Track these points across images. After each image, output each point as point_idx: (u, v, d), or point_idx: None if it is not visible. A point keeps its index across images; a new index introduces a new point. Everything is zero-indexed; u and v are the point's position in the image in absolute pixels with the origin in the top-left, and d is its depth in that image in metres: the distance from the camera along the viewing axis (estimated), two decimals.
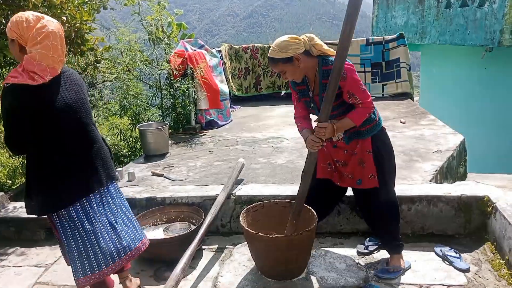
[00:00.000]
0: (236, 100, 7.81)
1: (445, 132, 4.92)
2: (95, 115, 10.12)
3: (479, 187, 3.23)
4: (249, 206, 2.90)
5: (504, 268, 2.68)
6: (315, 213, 2.71)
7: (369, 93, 2.53)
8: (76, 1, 4.07)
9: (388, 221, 2.75)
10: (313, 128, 2.61)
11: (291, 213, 2.74)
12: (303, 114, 2.83)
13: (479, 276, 2.68)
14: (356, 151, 2.69)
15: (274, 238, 2.51)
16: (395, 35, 7.43)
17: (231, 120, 6.39)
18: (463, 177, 4.46)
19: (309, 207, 2.78)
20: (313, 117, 2.82)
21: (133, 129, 5.63)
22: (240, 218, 2.74)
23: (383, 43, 7.35)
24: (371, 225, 2.93)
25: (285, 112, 6.88)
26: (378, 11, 11.60)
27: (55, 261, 3.21)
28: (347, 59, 2.49)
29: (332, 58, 2.50)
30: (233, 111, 6.90)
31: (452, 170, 4.12)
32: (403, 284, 2.65)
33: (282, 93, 8.13)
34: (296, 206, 2.71)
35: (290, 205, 2.88)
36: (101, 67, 5.84)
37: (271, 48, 2.53)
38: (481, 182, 3.38)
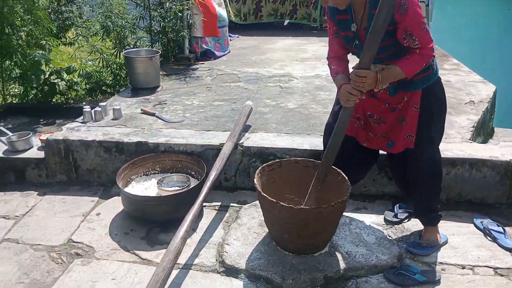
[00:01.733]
0: (233, 28, 6.98)
1: (474, 80, 4.38)
2: (74, 35, 9.13)
3: None
4: (265, 164, 2.38)
5: None
6: (347, 178, 2.22)
7: (431, 36, 1.93)
8: None
9: (429, 189, 2.30)
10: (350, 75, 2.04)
11: (315, 178, 2.24)
12: (339, 53, 2.23)
13: None
14: (401, 105, 2.15)
15: (300, 209, 2.03)
16: None
17: (229, 51, 5.68)
18: (491, 133, 4.01)
19: (339, 170, 2.28)
20: (354, 59, 2.24)
21: (117, 54, 4.89)
22: (255, 180, 2.23)
23: None
24: (404, 189, 2.48)
25: (290, 45, 6.17)
26: None
27: (27, 212, 2.71)
28: None
29: None
30: (230, 40, 6.15)
31: (484, 125, 3.65)
32: (442, 264, 2.26)
33: (285, 23, 7.34)
34: (322, 169, 2.21)
35: (313, 164, 2.38)
36: None
37: None
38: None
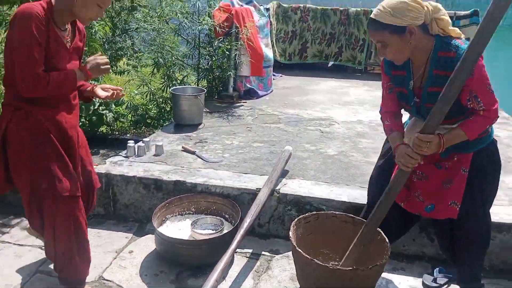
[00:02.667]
0: (277, 67, 7.06)
1: None
2: (125, 64, 9.58)
3: None
4: (301, 216, 2.33)
5: None
6: (387, 240, 2.13)
7: (495, 97, 1.86)
8: None
9: (473, 254, 2.16)
10: (408, 136, 1.98)
11: (357, 238, 2.14)
12: (393, 109, 2.17)
13: None
14: (448, 165, 2.05)
15: (335, 270, 1.95)
16: (468, 12, 6.48)
17: (272, 91, 5.74)
18: None
19: (379, 229, 2.19)
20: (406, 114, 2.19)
21: (165, 89, 5.06)
22: (290, 232, 2.18)
23: (454, 18, 6.43)
24: (451, 255, 2.33)
25: (333, 88, 6.17)
26: None
27: None
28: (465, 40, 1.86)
29: (457, 43, 1.84)
30: (274, 79, 6.22)
31: None
32: None
33: (329, 64, 7.37)
34: (367, 231, 2.11)
35: (352, 220, 2.31)
36: (137, 15, 5.22)
37: (379, 7, 1.87)
38: None
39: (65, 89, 1.96)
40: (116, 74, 7.91)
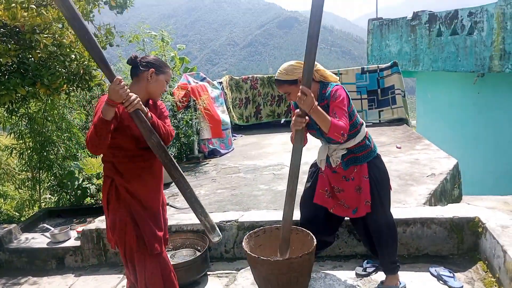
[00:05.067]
0: (237, 129, 8.05)
1: (439, 156, 5.09)
2: None
3: (470, 208, 3.38)
4: (251, 231, 3.05)
5: (495, 286, 2.81)
6: (313, 236, 2.86)
7: (348, 122, 2.62)
8: None
9: (386, 243, 2.87)
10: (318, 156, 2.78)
11: (280, 242, 2.84)
12: None
13: None
14: (353, 176, 2.85)
15: (275, 261, 2.66)
16: (389, 63, 7.71)
17: (233, 149, 6.59)
18: (457, 200, 4.61)
19: (307, 230, 2.93)
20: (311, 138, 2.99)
21: None
22: (243, 243, 2.89)
23: (378, 71, 7.64)
24: (370, 247, 3.06)
25: (285, 140, 7.09)
26: (372, 40, 12.02)
27: None
28: (339, 83, 2.73)
29: (329, 84, 2.71)
30: (234, 139, 7.12)
31: (446, 193, 4.28)
32: None
33: (282, 121, 8.37)
34: (283, 231, 2.79)
35: (292, 230, 3.03)
36: None
37: (278, 71, 2.73)
38: (473, 203, 3.54)
39: (104, 116, 2.12)
40: (91, 157, 8.63)
